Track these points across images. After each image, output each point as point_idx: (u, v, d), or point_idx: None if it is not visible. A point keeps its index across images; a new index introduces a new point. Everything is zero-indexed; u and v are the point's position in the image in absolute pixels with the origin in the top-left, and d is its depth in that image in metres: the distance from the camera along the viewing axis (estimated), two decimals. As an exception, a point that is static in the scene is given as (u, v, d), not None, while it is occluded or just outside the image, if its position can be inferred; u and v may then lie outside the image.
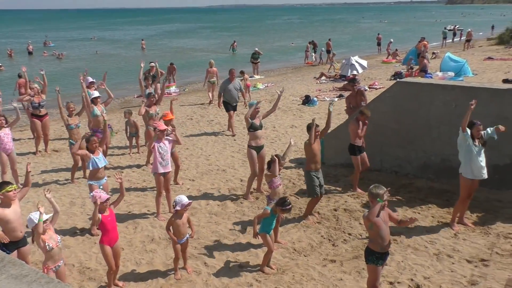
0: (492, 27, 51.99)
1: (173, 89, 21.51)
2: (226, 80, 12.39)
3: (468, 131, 6.38)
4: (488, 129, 6.51)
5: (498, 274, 5.42)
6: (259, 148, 8.05)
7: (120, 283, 5.64)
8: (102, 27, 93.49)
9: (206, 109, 16.36)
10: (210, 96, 17.47)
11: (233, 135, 12.40)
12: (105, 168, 9.68)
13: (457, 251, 6.04)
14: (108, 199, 5.26)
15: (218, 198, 8.25)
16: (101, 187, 6.77)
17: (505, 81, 15.90)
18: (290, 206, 5.56)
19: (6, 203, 5.07)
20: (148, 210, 7.80)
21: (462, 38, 43.96)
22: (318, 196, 7.04)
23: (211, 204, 7.98)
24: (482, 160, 6.39)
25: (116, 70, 29.38)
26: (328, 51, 29.55)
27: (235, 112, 12.85)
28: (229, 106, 12.46)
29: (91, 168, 6.92)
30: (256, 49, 25.84)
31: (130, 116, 11.01)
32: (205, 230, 7.00)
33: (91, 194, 5.40)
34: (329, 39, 31.59)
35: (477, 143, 6.37)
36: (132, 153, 11.09)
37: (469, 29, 35.96)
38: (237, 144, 11.58)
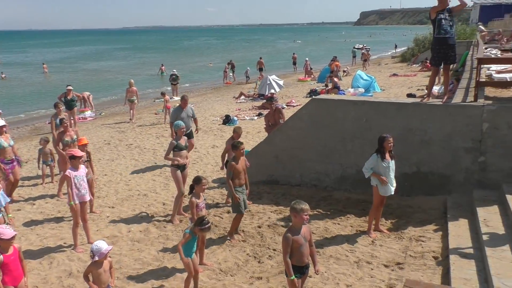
0: (395, 46, 56.28)
1: (88, 113, 20.67)
2: (177, 107, 10.88)
3: (377, 156, 6.67)
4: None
5: (412, 275, 5.75)
6: (183, 168, 7.96)
7: None
8: (10, 49, 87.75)
9: (125, 132, 15.88)
10: (131, 114, 18.22)
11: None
12: (14, 201, 9.03)
13: (375, 257, 6.34)
14: (13, 236, 4.82)
15: (140, 223, 7.98)
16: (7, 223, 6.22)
17: (409, 95, 17.19)
18: (209, 224, 5.50)
19: None
20: (64, 243, 7.32)
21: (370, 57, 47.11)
22: (242, 213, 7.07)
23: (133, 231, 7.69)
24: (393, 174, 6.80)
25: (27, 94, 27.67)
26: (261, 69, 30.36)
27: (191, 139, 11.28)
28: None
29: None
30: (174, 70, 25.70)
31: (46, 144, 10.36)
32: (127, 259, 6.70)
33: None
34: (260, 58, 32.54)
35: (387, 158, 6.71)
36: (46, 183, 10.42)
37: (363, 51, 38.64)
38: (157, 167, 11.33)
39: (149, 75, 39.03)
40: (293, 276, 4.60)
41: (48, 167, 10.45)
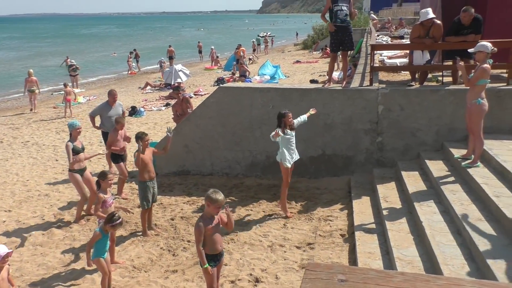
0: (297, 34, 58.21)
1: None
2: (104, 103, 9.53)
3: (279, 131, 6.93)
4: (300, 117, 7.26)
5: (322, 254, 6.05)
6: (82, 171, 7.53)
7: None
8: None
9: (19, 129, 14.65)
10: (32, 105, 17.92)
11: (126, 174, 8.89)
12: None
13: (288, 239, 6.57)
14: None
15: (43, 226, 7.44)
16: None
17: (312, 81, 17.93)
18: (120, 220, 5.30)
19: None
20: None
21: (273, 44, 48.30)
22: (148, 207, 6.88)
23: (35, 235, 7.15)
24: (294, 144, 7.17)
25: None
26: (171, 57, 29.71)
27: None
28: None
29: None
30: (73, 61, 24.19)
31: None
32: (29, 265, 6.23)
33: None
34: (170, 46, 31.76)
35: (289, 131, 7.02)
36: None
37: (212, 47, 33.06)
38: (60, 165, 10.62)
39: (45, 66, 36.32)
40: (207, 265, 4.59)
41: None
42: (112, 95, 9.40)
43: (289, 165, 7.11)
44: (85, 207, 7.74)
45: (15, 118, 16.73)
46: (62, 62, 35.50)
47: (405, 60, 10.66)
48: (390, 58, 11.63)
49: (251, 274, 5.70)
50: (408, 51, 9.79)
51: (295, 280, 5.51)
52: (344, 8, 8.09)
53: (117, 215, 5.31)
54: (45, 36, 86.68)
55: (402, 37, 14.86)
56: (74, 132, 7.40)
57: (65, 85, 17.50)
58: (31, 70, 18.26)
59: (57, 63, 36.26)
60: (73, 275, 5.94)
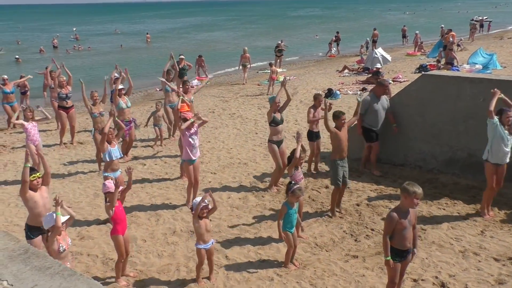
0: (522, 18, 50.36)
1: (195, 82, 21.57)
2: (372, 96, 8.62)
3: (496, 118, 6.32)
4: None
5: (526, 273, 5.26)
6: (279, 143, 8.01)
7: (131, 273, 5.70)
8: (125, 21, 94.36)
9: (228, 102, 16.37)
10: (244, 78, 20.77)
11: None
12: (127, 160, 9.85)
13: (484, 248, 5.89)
14: (120, 189, 5.37)
15: (240, 191, 8.25)
16: (114, 178, 6.84)
17: (536, 74, 15.39)
18: (297, 186, 5.56)
19: (33, 189, 5.25)
20: (170, 203, 7.85)
21: (490, 30, 42.89)
22: (339, 186, 6.93)
23: (233, 198, 7.98)
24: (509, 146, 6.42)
25: (141, 63, 29.72)
26: (374, 41, 29.62)
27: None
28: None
29: (107, 159, 7.03)
30: (280, 42, 25.65)
31: (160, 108, 11.05)
32: (226, 223, 7.00)
33: (104, 183, 5.45)
34: (374, 29, 31.57)
35: (506, 130, 6.35)
36: (156, 145, 11.16)
37: (416, 32, 30.71)
38: (259, 138, 11.55)
39: (255, 47, 39.43)
40: (389, 257, 4.44)
41: (159, 129, 11.15)
42: (384, 86, 8.71)
43: (495, 163, 6.42)
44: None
45: (226, 92, 18.70)
46: (275, 48, 35.88)
47: None
48: None
49: (436, 277, 5.32)
50: None
51: (488, 295, 4.93)
52: None
53: (293, 183, 5.65)
54: (255, 18, 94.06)
55: None
56: (274, 105, 7.90)
57: (271, 65, 18.79)
58: (246, 48, 21.29)
59: (266, 44, 38.94)
60: (262, 240, 6.45)
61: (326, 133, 9.21)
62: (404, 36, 35.88)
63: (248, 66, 20.87)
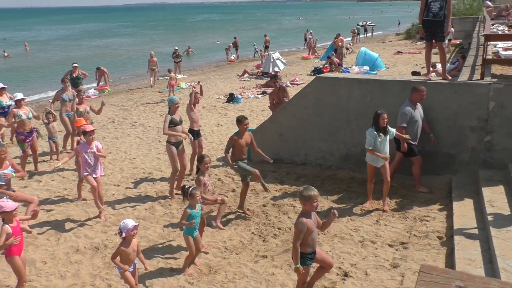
0: (399, 23, 55.43)
1: (91, 91, 20.59)
2: (409, 104, 7.56)
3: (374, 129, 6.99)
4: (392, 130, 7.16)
5: (416, 255, 5.79)
6: (178, 144, 7.97)
7: None
8: (13, 27, 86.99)
9: (129, 111, 15.85)
10: (151, 81, 21.57)
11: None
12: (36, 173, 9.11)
13: (380, 236, 6.38)
14: (16, 208, 4.96)
15: (145, 201, 8.03)
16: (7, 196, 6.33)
17: (414, 73, 17.03)
18: (192, 187, 5.59)
19: None
20: (71, 220, 7.39)
21: (373, 33, 46.58)
22: (247, 180, 7.26)
23: (138, 209, 7.74)
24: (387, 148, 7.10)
25: (32, 73, 27.58)
26: (267, 47, 30.41)
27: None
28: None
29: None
30: (176, 48, 25.44)
31: (52, 120, 10.38)
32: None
33: None
34: (265, 35, 32.54)
35: (382, 134, 6.97)
36: (52, 160, 10.44)
37: (311, 31, 34.74)
38: (162, 146, 11.31)
39: (159, 53, 38.54)
40: (299, 265, 4.49)
41: (54, 143, 10.46)
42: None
43: (376, 165, 7.10)
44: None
45: (125, 100, 18.10)
46: (184, 51, 35.59)
47: (524, 52, 9.66)
48: (505, 49, 10.62)
49: (340, 268, 5.64)
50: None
51: (385, 279, 5.35)
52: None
53: (187, 186, 5.63)
54: (154, 24, 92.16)
55: (521, 27, 13.49)
56: (172, 107, 7.85)
57: (169, 71, 18.57)
58: (152, 52, 21.75)
59: (167, 50, 38.27)
60: (171, 249, 6.34)
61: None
62: (306, 40, 37.71)
63: (156, 70, 21.50)
